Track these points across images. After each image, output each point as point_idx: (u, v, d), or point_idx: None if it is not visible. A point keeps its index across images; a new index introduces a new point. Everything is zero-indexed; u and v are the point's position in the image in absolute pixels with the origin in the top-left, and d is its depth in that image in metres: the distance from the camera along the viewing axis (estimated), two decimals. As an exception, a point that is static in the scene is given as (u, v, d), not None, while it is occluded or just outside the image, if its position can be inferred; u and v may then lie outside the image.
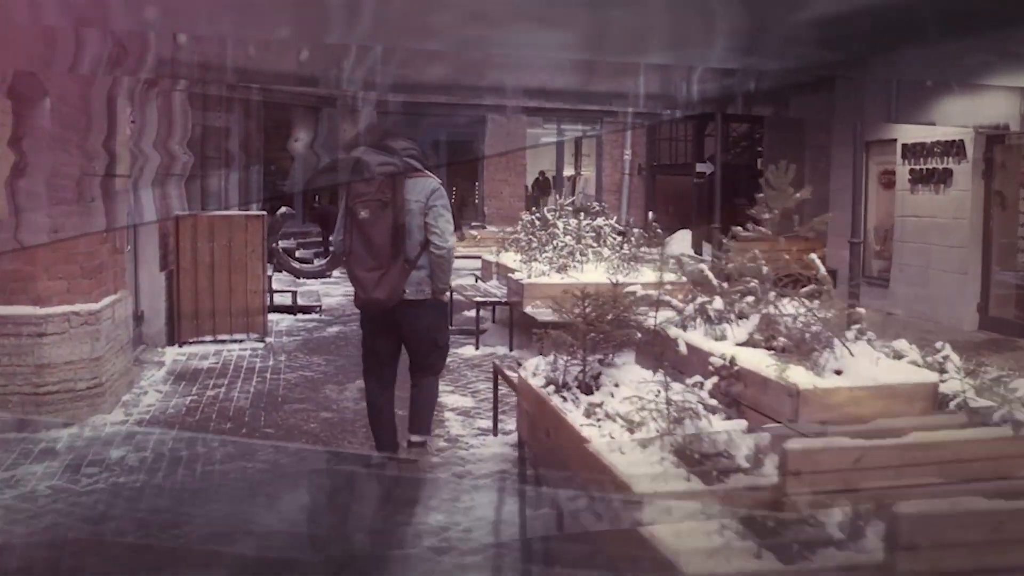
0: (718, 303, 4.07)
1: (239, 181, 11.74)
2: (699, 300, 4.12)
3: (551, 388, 3.97)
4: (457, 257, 12.63)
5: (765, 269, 4.18)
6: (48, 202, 5.84)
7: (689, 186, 15.39)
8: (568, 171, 18.53)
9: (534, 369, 4.15)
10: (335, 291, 11.58)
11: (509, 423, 5.73)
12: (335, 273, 12.95)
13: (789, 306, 3.88)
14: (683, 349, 3.96)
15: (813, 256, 4.21)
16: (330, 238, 14.45)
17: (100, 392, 5.76)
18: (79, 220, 5.87)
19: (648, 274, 8.23)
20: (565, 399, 3.84)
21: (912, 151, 10.52)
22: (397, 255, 4.17)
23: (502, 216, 16.61)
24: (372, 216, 4.18)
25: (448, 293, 4.63)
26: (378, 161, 4.27)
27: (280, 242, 12.49)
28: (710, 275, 4.20)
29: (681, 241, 14.50)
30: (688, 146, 16.31)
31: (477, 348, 8.07)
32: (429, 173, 4.33)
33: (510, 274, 8.23)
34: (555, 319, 7.50)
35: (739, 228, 4.45)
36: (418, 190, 4.24)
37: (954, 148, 9.97)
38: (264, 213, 8.18)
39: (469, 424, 5.79)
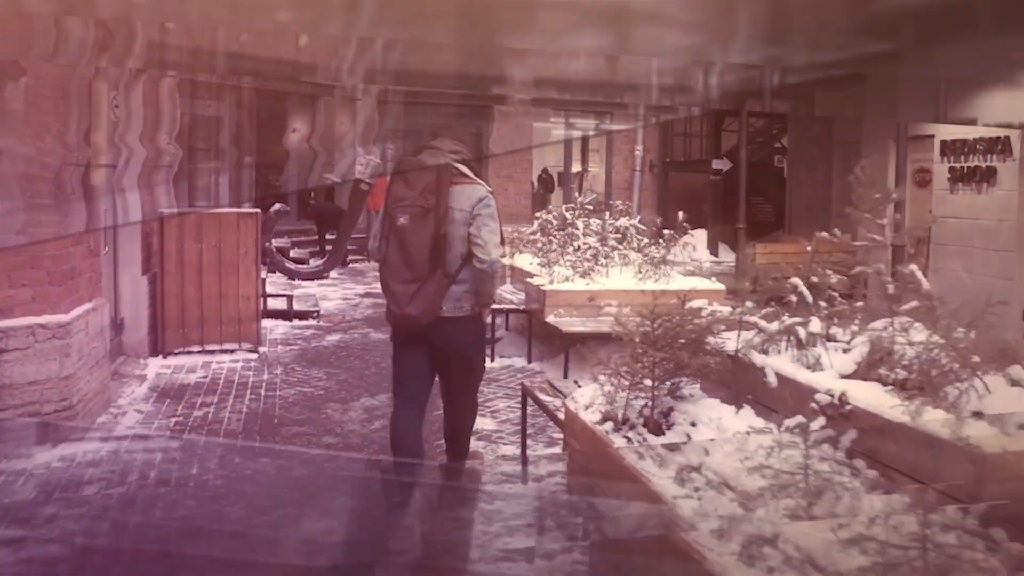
0: (815, 325, 3.36)
1: (230, 176, 10.99)
2: (789, 319, 3.41)
3: (609, 425, 3.27)
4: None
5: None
6: (20, 196, 5.12)
7: (704, 184, 14.72)
8: (574, 167, 17.81)
9: (588, 401, 3.44)
10: (333, 294, 10.84)
11: (536, 446, 5.07)
12: (333, 274, 12.21)
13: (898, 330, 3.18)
14: (772, 381, 3.26)
15: (913, 268, 3.49)
16: (326, 237, 13.72)
17: (71, 415, 5.03)
18: (53, 218, 5.14)
19: (680, 280, 7.53)
20: (630, 440, 3.14)
21: (952, 148, 9.85)
22: (436, 267, 3.81)
23: (507, 215, 15.87)
24: (412, 223, 3.81)
25: (489, 312, 4.16)
26: (423, 163, 3.91)
27: (273, 241, 11.74)
28: (804, 289, 3.49)
29: (696, 242, 13.83)
30: (703, 142, 15.62)
31: (492, 359, 7.36)
32: (478, 180, 3.95)
33: (528, 279, 7.51)
34: (583, 330, 6.89)
35: (826, 234, 3.76)
36: (464, 198, 3.87)
37: (999, 145, 9.31)
38: (258, 211, 7.44)
39: (492, 450, 5.10)
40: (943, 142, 9.92)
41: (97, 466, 4.54)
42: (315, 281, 11.67)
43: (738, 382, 3.41)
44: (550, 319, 6.91)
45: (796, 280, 3.50)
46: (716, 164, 13.98)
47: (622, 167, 16.16)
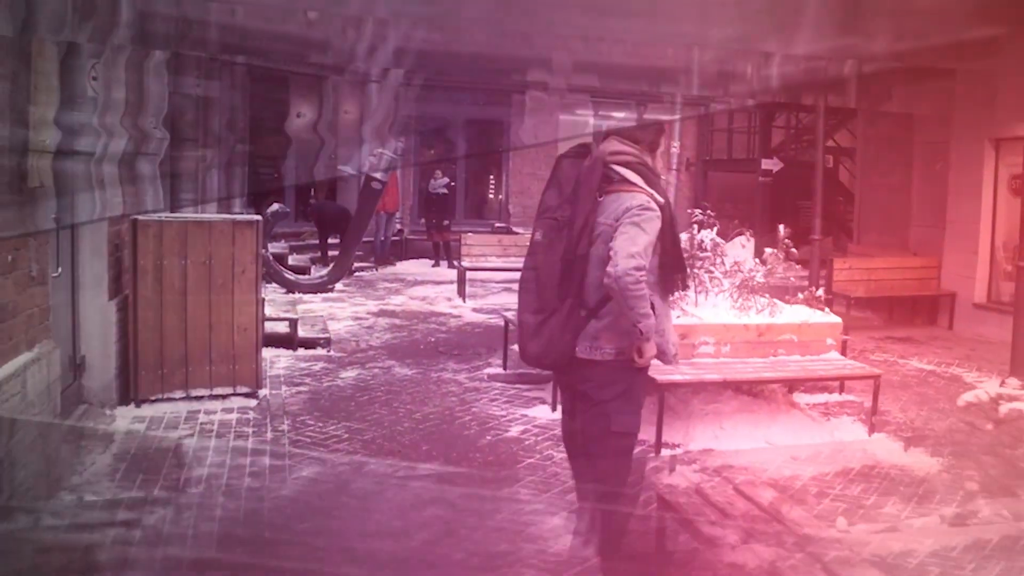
0: None
1: (220, 170, 9.37)
2: None
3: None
4: (492, 269, 10.22)
5: None
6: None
7: (749, 185, 13.23)
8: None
9: None
10: (341, 312, 9.25)
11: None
12: (338, 286, 10.62)
13: None
14: None
15: None
16: (329, 241, 12.13)
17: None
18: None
19: (789, 311, 6.04)
20: None
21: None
22: (566, 296, 3.20)
23: (530, 216, 14.31)
24: (545, 240, 3.27)
25: (644, 351, 3.22)
26: (574, 165, 3.31)
27: (270, 246, 10.17)
28: None
29: (739, 250, 12.35)
30: (750, 138, 14.12)
31: (554, 409, 5.84)
32: (642, 186, 3.25)
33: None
34: (680, 378, 5.42)
35: None
36: (613, 208, 3.21)
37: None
38: (259, 219, 5.86)
39: None
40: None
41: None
42: (318, 295, 10.09)
43: None
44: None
45: None
46: (766, 164, 12.50)
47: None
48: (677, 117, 12.64)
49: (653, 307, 3.22)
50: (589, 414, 3.33)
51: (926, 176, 10.17)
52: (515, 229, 13.66)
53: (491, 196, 15.86)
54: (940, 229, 9.84)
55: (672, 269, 3.35)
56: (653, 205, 3.22)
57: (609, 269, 3.09)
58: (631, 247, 3.09)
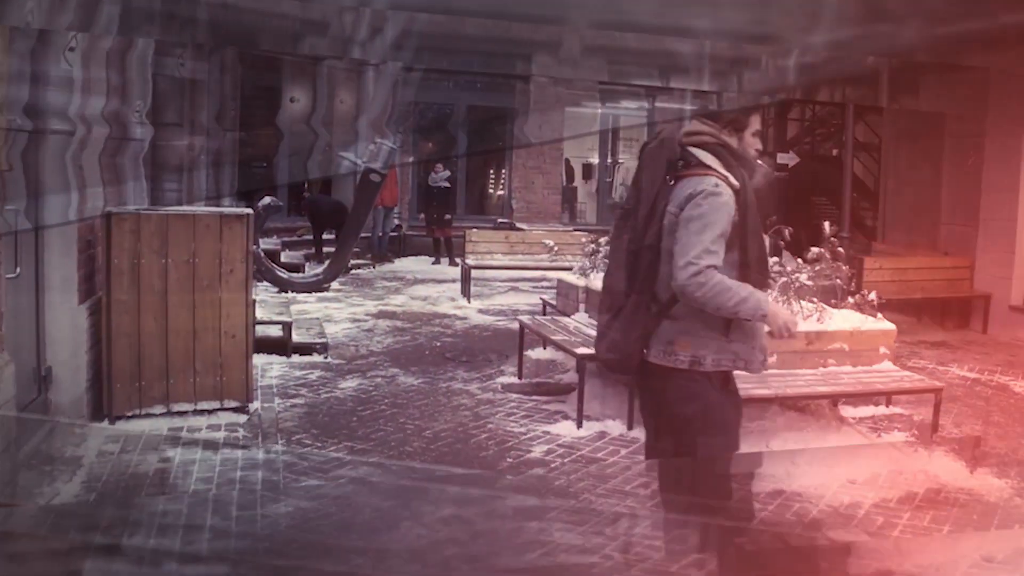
0: None
1: (207, 161, 8.73)
2: None
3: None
4: (498, 268, 9.56)
5: None
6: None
7: (763, 180, 12.63)
8: (593, 158, 15.68)
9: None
10: (338, 314, 8.62)
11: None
12: (334, 284, 9.98)
13: None
14: None
15: None
16: (324, 236, 11.50)
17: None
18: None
19: (839, 318, 5.47)
20: None
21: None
22: (632, 291, 2.89)
23: (534, 212, 13.73)
24: (615, 231, 3.06)
25: (778, 330, 2.86)
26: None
27: (261, 243, 9.54)
28: None
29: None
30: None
31: (580, 426, 5.25)
32: (715, 169, 2.84)
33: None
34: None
35: None
36: (679, 195, 2.83)
37: None
38: (250, 212, 5.24)
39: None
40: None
41: None
42: (313, 294, 9.46)
43: None
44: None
45: None
46: (783, 158, 11.92)
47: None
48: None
49: None
50: (664, 428, 2.97)
51: (957, 172, 9.61)
52: (519, 225, 13.05)
53: (491, 191, 15.26)
54: (973, 227, 9.31)
55: (751, 268, 2.84)
56: (722, 190, 2.80)
57: (673, 284, 2.74)
58: (690, 251, 2.70)
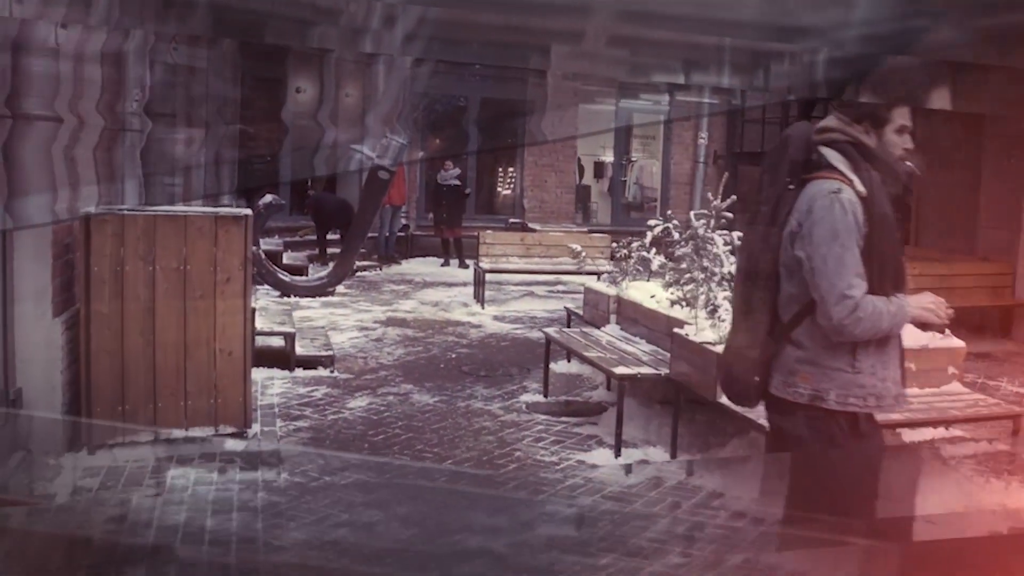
0: None
1: (204, 156, 8.13)
2: None
3: None
4: (514, 272, 8.95)
5: None
6: None
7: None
8: (605, 156, 15.09)
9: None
10: (344, 321, 8.03)
11: None
12: (339, 288, 9.40)
13: None
14: None
15: None
16: (328, 237, 10.87)
17: None
18: None
19: (906, 336, 4.89)
20: None
21: None
22: (751, 311, 2.53)
23: (547, 212, 13.14)
24: (741, 241, 2.99)
25: (927, 322, 2.63)
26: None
27: (262, 243, 8.98)
28: None
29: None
30: (784, 130, 12.98)
31: (618, 454, 4.68)
32: (842, 172, 2.40)
33: (679, 330, 4.80)
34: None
35: None
36: (802, 201, 2.42)
37: None
38: (248, 213, 4.67)
39: None
40: None
41: None
42: (317, 298, 8.89)
43: None
44: (725, 400, 4.24)
45: None
46: (809, 156, 11.33)
47: (681, 158, 13.46)
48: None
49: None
50: (788, 472, 2.72)
51: (997, 173, 9.04)
52: (531, 225, 12.47)
53: (499, 189, 14.67)
54: (1015, 232, 8.75)
55: (887, 291, 2.41)
56: (844, 197, 2.40)
57: (821, 320, 2.39)
58: (839, 281, 2.34)
